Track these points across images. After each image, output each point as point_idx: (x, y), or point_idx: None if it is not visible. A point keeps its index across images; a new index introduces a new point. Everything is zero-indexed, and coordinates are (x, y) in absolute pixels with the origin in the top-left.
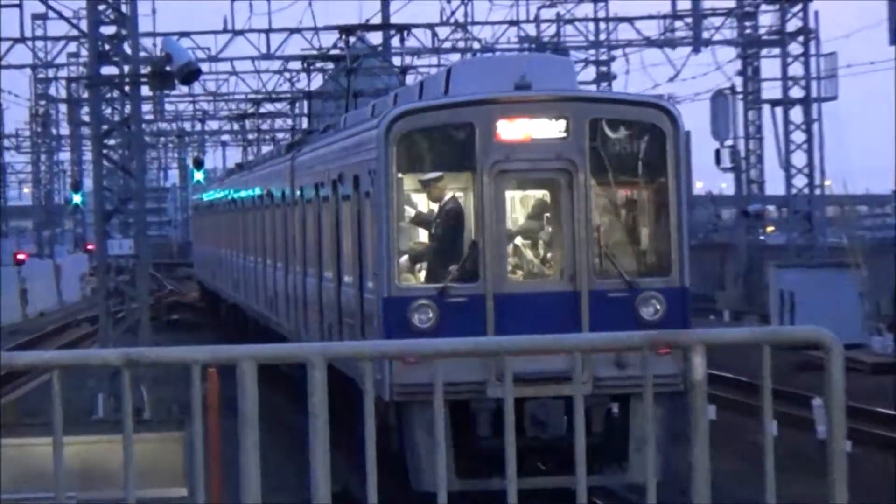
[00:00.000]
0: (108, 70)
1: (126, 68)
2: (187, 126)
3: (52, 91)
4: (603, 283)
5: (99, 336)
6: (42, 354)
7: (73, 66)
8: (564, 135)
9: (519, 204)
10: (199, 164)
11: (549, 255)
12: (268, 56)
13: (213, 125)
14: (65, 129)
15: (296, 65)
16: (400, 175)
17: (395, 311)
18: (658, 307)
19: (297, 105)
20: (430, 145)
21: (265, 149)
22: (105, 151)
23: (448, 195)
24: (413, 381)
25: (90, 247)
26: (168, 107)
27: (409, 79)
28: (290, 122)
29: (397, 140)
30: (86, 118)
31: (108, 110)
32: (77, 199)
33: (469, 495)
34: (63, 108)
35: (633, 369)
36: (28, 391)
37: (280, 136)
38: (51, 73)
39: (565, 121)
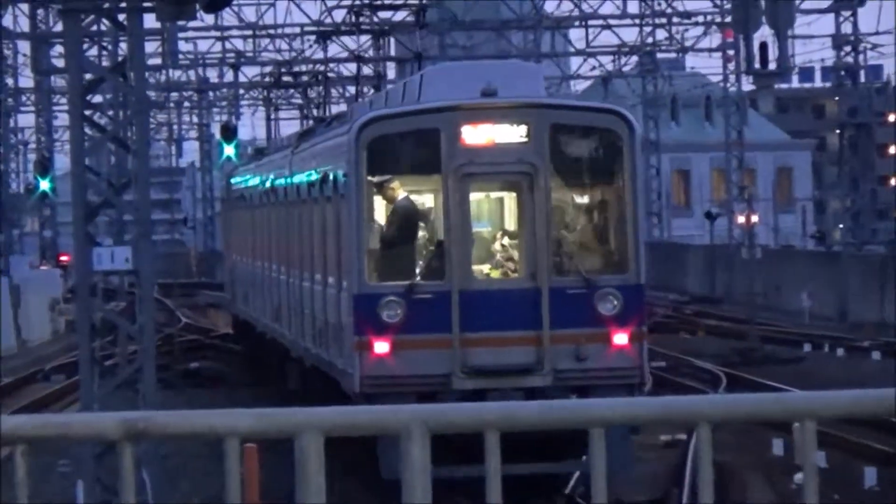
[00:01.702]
0: None
1: None
2: (212, 76)
3: (5, 22)
4: (562, 281)
5: (80, 395)
6: None
7: None
8: (526, 140)
9: (494, 204)
10: (229, 133)
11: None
12: None
13: (251, 73)
14: (26, 81)
15: None
16: (369, 178)
17: (365, 307)
18: (615, 303)
19: (384, 42)
20: (398, 150)
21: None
22: (88, 113)
23: (401, 195)
24: (382, 373)
25: (65, 258)
26: (184, 46)
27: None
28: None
29: (366, 145)
30: (59, 63)
31: (94, 51)
32: (45, 185)
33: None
34: (24, 47)
35: (592, 362)
36: None
37: (352, 90)
38: None
39: (526, 126)
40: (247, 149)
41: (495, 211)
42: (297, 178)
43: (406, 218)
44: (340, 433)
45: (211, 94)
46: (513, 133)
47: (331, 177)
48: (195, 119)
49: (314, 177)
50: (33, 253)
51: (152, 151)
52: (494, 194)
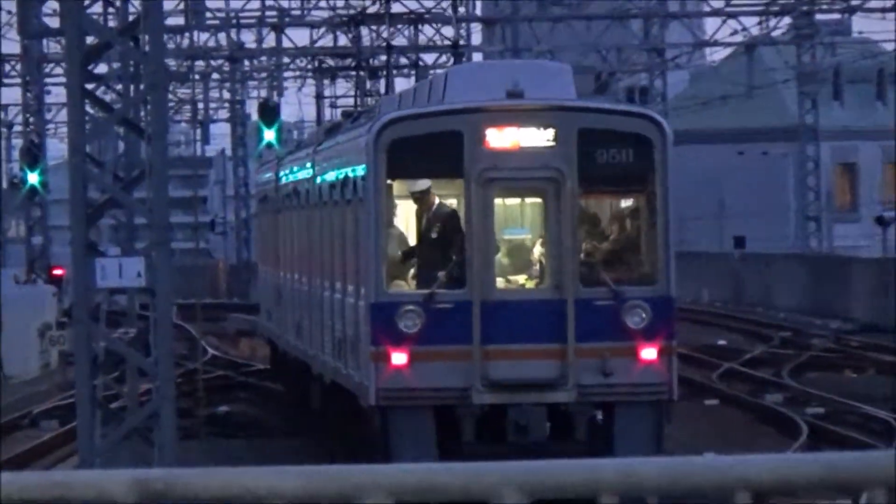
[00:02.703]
0: None
1: None
2: (248, 40)
3: None
4: (589, 292)
5: (77, 446)
6: None
7: None
8: (552, 144)
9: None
10: (270, 113)
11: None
12: None
13: (298, 38)
14: (11, 45)
15: None
16: (389, 182)
17: (382, 316)
18: (644, 316)
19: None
20: (419, 153)
21: (404, 84)
22: (90, 88)
23: (436, 202)
24: (398, 385)
25: (59, 272)
26: (212, 2)
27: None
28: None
29: (386, 147)
30: (53, 24)
31: (98, 8)
32: (34, 179)
33: None
34: (9, 3)
35: (619, 377)
36: None
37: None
38: None
39: (553, 130)
40: (292, 133)
41: (536, 216)
42: (318, 180)
43: (449, 224)
44: (413, 497)
45: (247, 63)
46: (539, 136)
47: (350, 179)
48: (226, 95)
49: (334, 178)
50: (19, 265)
51: (171, 136)
52: (532, 199)
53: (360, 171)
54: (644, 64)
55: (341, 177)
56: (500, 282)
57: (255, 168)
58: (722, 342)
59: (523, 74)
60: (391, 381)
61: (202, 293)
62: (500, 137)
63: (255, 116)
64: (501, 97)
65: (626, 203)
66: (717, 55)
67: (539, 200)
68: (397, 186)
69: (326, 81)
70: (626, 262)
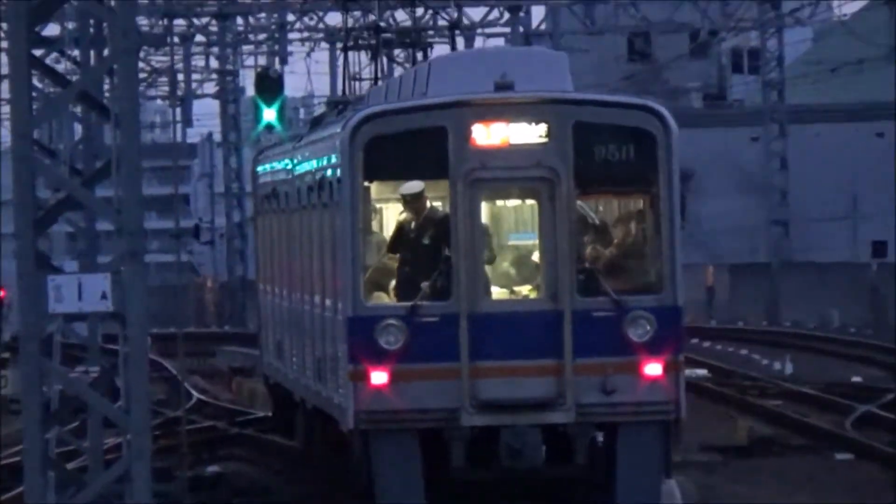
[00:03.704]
0: None
1: None
2: None
3: None
4: (587, 302)
5: None
6: None
7: None
8: (546, 140)
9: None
10: (270, 86)
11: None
12: None
13: None
14: None
15: None
16: (366, 184)
17: (361, 331)
18: (648, 328)
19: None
20: (400, 151)
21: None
22: (39, 54)
23: (428, 206)
24: (380, 407)
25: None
26: None
27: None
28: None
29: (363, 145)
30: None
31: None
32: None
33: None
34: None
35: (621, 395)
36: None
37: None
38: None
39: (546, 125)
40: (298, 113)
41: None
42: (297, 180)
43: (442, 231)
44: None
45: (240, 22)
46: (531, 133)
47: (327, 181)
48: (213, 64)
49: (309, 179)
50: None
51: (144, 117)
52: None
53: (336, 171)
54: (754, 19)
55: (318, 178)
56: (500, 292)
57: (253, 157)
58: (857, 379)
59: (513, 64)
60: (371, 403)
61: (185, 320)
62: (488, 134)
63: (251, 91)
64: (489, 90)
65: (627, 204)
66: (847, 7)
67: (533, 202)
68: (378, 188)
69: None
70: (628, 269)
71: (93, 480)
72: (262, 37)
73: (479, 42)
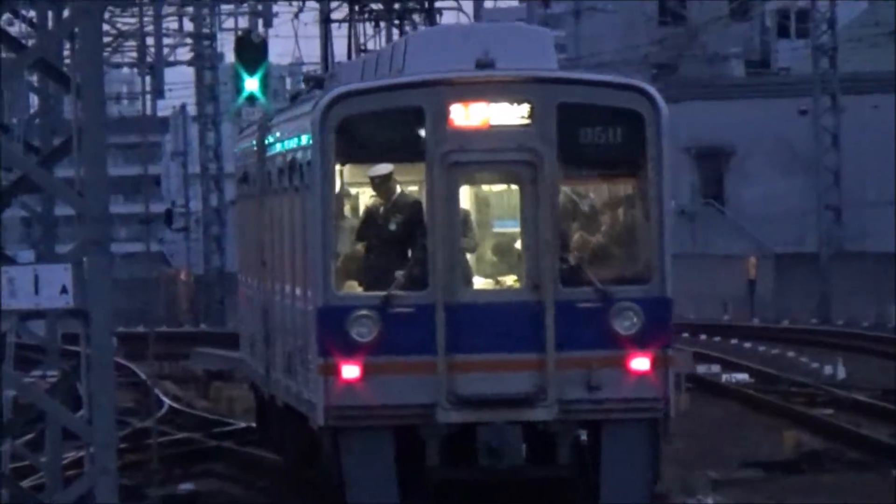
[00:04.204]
0: None
1: None
2: None
3: None
4: (571, 293)
5: None
6: None
7: None
8: (528, 121)
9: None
10: (252, 51)
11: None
12: None
13: None
14: None
15: None
16: (338, 167)
17: (331, 323)
18: (635, 320)
19: None
20: (374, 133)
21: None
22: None
23: (398, 190)
24: (352, 403)
25: None
26: None
27: None
28: None
29: (335, 127)
30: None
31: None
32: None
33: None
34: None
35: (607, 391)
36: None
37: None
38: None
39: (529, 105)
40: (284, 82)
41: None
42: (268, 162)
43: (412, 216)
44: None
45: None
46: (512, 113)
47: (297, 163)
48: (188, 26)
49: (280, 162)
50: None
51: (110, 87)
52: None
53: (307, 154)
54: None
55: (288, 160)
56: (484, 282)
57: (234, 133)
58: None
59: (495, 41)
60: (343, 398)
61: (156, 318)
62: (467, 114)
63: (230, 58)
64: (469, 67)
65: (614, 189)
66: None
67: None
68: (351, 172)
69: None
70: (614, 259)
71: (51, 500)
72: None
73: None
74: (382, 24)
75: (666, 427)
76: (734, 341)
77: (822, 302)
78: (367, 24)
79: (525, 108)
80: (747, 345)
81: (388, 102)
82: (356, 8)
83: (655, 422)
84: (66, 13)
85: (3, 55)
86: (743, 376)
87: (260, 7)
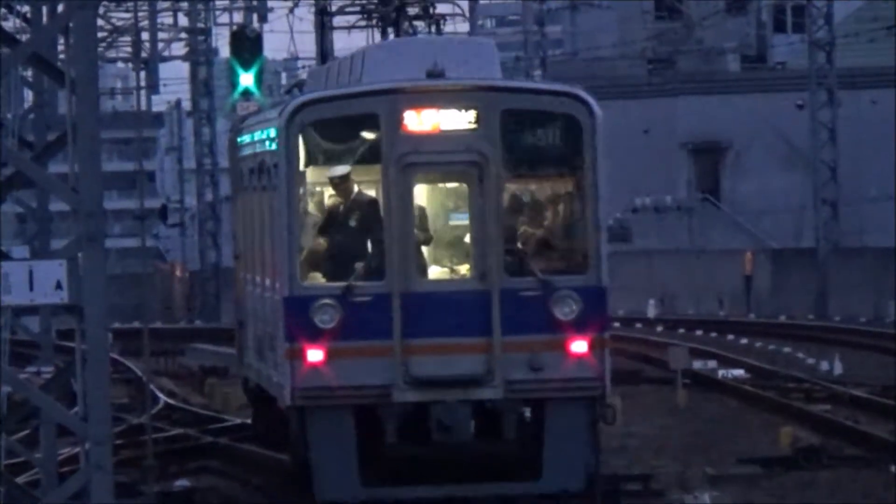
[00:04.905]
0: None
1: None
2: None
3: None
4: (515, 282)
5: None
6: None
7: None
8: (474, 126)
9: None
10: (248, 46)
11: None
12: None
13: None
14: None
15: None
16: (302, 168)
17: (297, 311)
18: (574, 307)
19: None
20: (334, 137)
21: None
22: None
23: (356, 190)
24: (316, 384)
25: None
26: None
27: None
28: None
29: (299, 131)
30: None
31: None
32: None
33: None
34: None
35: (548, 371)
36: None
37: None
38: None
39: (475, 111)
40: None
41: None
42: (249, 161)
43: (368, 213)
44: None
45: None
46: (460, 119)
47: (267, 164)
48: (183, 21)
49: (253, 163)
50: None
51: (104, 82)
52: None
53: (274, 156)
54: None
55: (259, 161)
56: (439, 272)
57: (229, 128)
58: None
59: (444, 53)
60: (308, 380)
61: (151, 314)
62: (420, 120)
63: (226, 53)
64: (421, 77)
65: (554, 187)
66: None
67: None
68: (315, 173)
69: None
70: (554, 251)
71: (46, 496)
72: None
73: None
74: (385, 28)
75: (602, 405)
76: (731, 337)
77: (819, 297)
78: (373, 27)
79: (472, 114)
80: (744, 340)
81: (347, 109)
82: (357, 10)
83: (593, 399)
84: (60, 8)
85: None
86: (740, 372)
87: (255, 2)
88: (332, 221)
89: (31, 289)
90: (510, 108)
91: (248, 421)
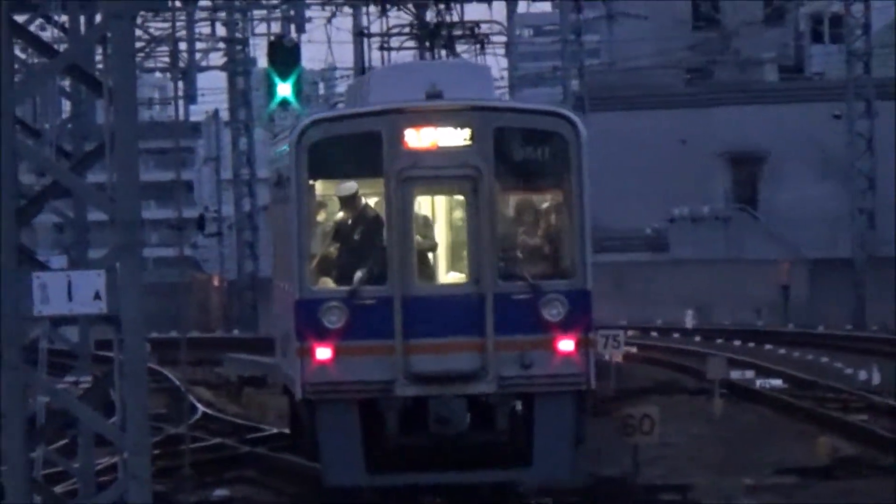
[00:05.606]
0: None
1: None
2: None
3: None
4: (507, 286)
5: None
6: None
7: None
8: (469, 143)
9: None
10: (285, 56)
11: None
12: None
13: None
14: None
15: None
16: (311, 182)
17: (307, 312)
18: (561, 309)
19: None
20: (340, 153)
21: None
22: (21, 20)
23: (363, 204)
24: (324, 380)
25: None
26: None
27: None
28: None
29: (308, 148)
30: None
31: None
32: None
33: (379, 490)
34: None
35: (537, 368)
36: None
37: None
38: None
39: (470, 129)
40: (317, 87)
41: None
42: (272, 175)
43: (373, 228)
44: None
45: None
46: (456, 136)
47: (283, 177)
48: (221, 31)
49: (275, 176)
50: None
51: (142, 92)
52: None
53: (288, 170)
54: None
55: (278, 174)
56: (443, 277)
57: (267, 138)
58: None
59: (443, 75)
60: (317, 376)
61: (188, 323)
62: (419, 137)
63: (263, 63)
64: (420, 98)
65: (542, 199)
66: None
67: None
68: (323, 185)
69: (370, 9)
70: (543, 257)
71: None
72: (275, 0)
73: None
74: (429, 45)
75: (587, 398)
76: (768, 347)
77: (856, 307)
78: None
79: (467, 132)
80: (781, 350)
81: (352, 128)
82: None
83: (579, 393)
84: (97, 18)
85: (36, 60)
86: (777, 382)
87: (293, 12)
88: (340, 233)
89: (70, 299)
90: (503, 126)
91: (286, 430)
